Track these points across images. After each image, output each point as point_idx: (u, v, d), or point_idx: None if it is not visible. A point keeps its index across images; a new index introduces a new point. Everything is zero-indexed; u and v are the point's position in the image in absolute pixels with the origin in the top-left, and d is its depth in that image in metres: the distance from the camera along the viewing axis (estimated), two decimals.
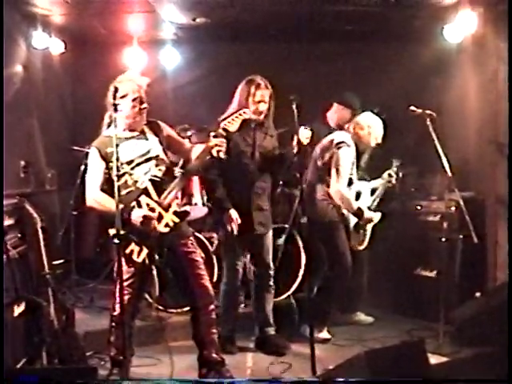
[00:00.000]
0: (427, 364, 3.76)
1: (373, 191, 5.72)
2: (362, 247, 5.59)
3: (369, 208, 5.58)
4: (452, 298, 5.44)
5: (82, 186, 6.03)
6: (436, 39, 6.22)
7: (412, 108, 5.23)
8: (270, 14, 6.31)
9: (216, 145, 4.27)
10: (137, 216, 4.16)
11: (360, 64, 7.08)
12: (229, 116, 4.43)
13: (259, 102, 4.92)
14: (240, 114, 4.38)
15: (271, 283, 5.24)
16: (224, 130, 4.36)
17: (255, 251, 5.21)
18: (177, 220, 4.24)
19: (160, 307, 5.45)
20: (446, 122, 5.65)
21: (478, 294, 5.69)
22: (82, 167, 6.03)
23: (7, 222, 4.61)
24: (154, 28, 6.78)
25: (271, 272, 5.22)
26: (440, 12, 5.93)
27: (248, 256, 5.22)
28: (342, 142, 5.30)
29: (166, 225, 4.21)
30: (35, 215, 4.53)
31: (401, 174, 5.83)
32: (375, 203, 5.65)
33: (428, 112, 5.16)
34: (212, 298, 4.49)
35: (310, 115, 5.19)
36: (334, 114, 6.05)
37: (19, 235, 4.73)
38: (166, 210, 4.22)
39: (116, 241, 3.83)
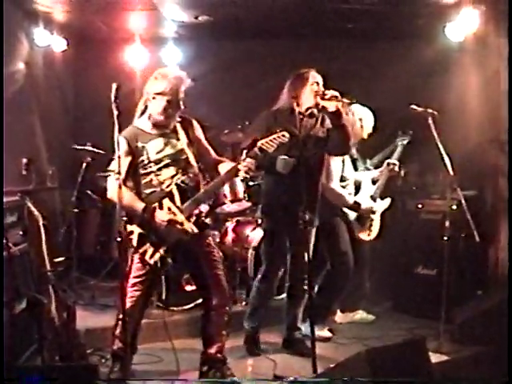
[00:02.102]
0: (428, 363, 3.76)
1: (376, 181, 5.70)
2: (370, 237, 5.60)
3: (372, 197, 5.58)
4: (453, 296, 5.42)
5: (84, 183, 6.12)
6: (438, 37, 6.21)
7: (413, 106, 5.22)
8: (272, 11, 6.31)
9: (246, 167, 4.14)
10: (161, 218, 4.14)
11: (361, 62, 7.08)
12: (267, 136, 4.21)
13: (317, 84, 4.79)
14: (279, 137, 4.18)
15: (305, 287, 5.03)
16: (260, 149, 4.17)
17: (295, 249, 5.02)
18: (196, 230, 4.18)
19: (161, 305, 5.44)
20: (448, 120, 5.64)
21: (479, 293, 5.70)
22: (84, 164, 6.06)
23: (9, 219, 4.61)
24: (156, 26, 6.79)
25: (306, 276, 4.97)
26: (442, 10, 5.93)
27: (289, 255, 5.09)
28: None
29: (186, 232, 4.18)
30: (36, 212, 4.52)
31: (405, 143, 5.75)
32: (378, 191, 5.61)
33: (429, 110, 5.14)
34: (228, 299, 4.48)
35: None
36: None
37: (20, 232, 4.73)
38: (187, 218, 4.18)
39: (118, 239, 3.82)
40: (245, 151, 4.21)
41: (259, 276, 5.09)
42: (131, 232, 4.17)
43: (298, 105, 4.73)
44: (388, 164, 5.63)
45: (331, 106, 4.59)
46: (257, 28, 6.88)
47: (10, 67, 5.74)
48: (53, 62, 6.84)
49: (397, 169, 5.64)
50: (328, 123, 4.83)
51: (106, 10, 6.20)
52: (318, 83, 4.79)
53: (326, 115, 4.80)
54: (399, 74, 6.66)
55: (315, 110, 4.80)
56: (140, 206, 4.15)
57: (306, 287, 5.04)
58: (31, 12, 6.12)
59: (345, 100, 4.61)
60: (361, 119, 5.51)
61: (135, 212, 4.14)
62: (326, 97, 4.59)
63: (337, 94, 4.57)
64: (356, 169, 5.63)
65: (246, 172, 4.16)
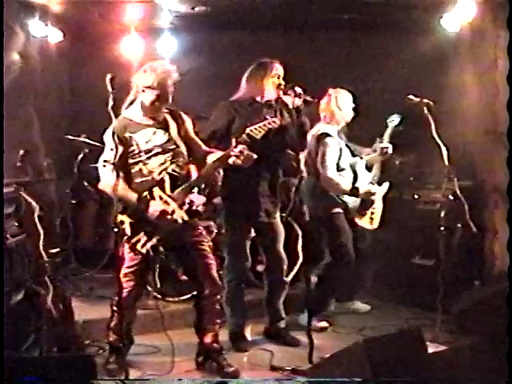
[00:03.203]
0: (425, 352, 3.77)
1: (371, 167, 5.67)
2: (373, 226, 5.61)
3: (370, 183, 5.55)
4: (450, 286, 5.43)
5: (80, 174, 6.12)
6: (434, 28, 6.20)
7: (410, 97, 5.22)
8: (269, 2, 6.29)
9: (240, 152, 4.16)
10: (154, 209, 4.15)
11: (358, 53, 7.06)
12: (257, 123, 4.26)
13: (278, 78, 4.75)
14: (269, 123, 4.23)
15: (284, 278, 5.06)
16: (248, 136, 4.19)
17: (264, 242, 5.04)
18: (187, 218, 4.22)
19: (158, 295, 5.45)
20: (445, 110, 5.64)
21: (476, 283, 5.71)
22: (80, 156, 6.06)
23: (5, 210, 4.61)
24: (152, 17, 6.75)
25: (284, 266, 5.03)
26: (438, 1, 5.92)
27: (261, 249, 5.09)
28: (324, 133, 5.32)
29: (176, 221, 4.20)
30: (33, 204, 4.53)
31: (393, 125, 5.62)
32: (376, 179, 5.59)
33: (426, 101, 5.15)
34: (219, 287, 4.49)
35: None
36: None
37: (17, 224, 4.73)
38: (179, 206, 4.20)
39: (115, 229, 3.83)
40: (234, 138, 4.22)
41: (225, 274, 4.99)
42: (122, 222, 4.19)
43: (260, 96, 4.74)
44: (381, 148, 5.59)
45: (292, 103, 4.57)
46: (253, 19, 6.86)
47: (5, 58, 5.71)
48: (49, 53, 6.80)
49: (390, 151, 5.56)
50: (287, 116, 4.77)
51: (101, 1, 6.17)
52: (279, 76, 4.76)
53: (285, 110, 4.75)
54: (396, 65, 6.65)
55: (274, 102, 4.77)
56: (133, 196, 4.18)
57: (285, 278, 5.06)
58: (27, 3, 6.08)
59: (308, 98, 4.56)
60: (338, 106, 5.41)
61: (129, 202, 4.17)
62: (288, 92, 4.56)
63: (300, 90, 4.52)
64: (354, 155, 5.61)
65: (238, 157, 4.16)
